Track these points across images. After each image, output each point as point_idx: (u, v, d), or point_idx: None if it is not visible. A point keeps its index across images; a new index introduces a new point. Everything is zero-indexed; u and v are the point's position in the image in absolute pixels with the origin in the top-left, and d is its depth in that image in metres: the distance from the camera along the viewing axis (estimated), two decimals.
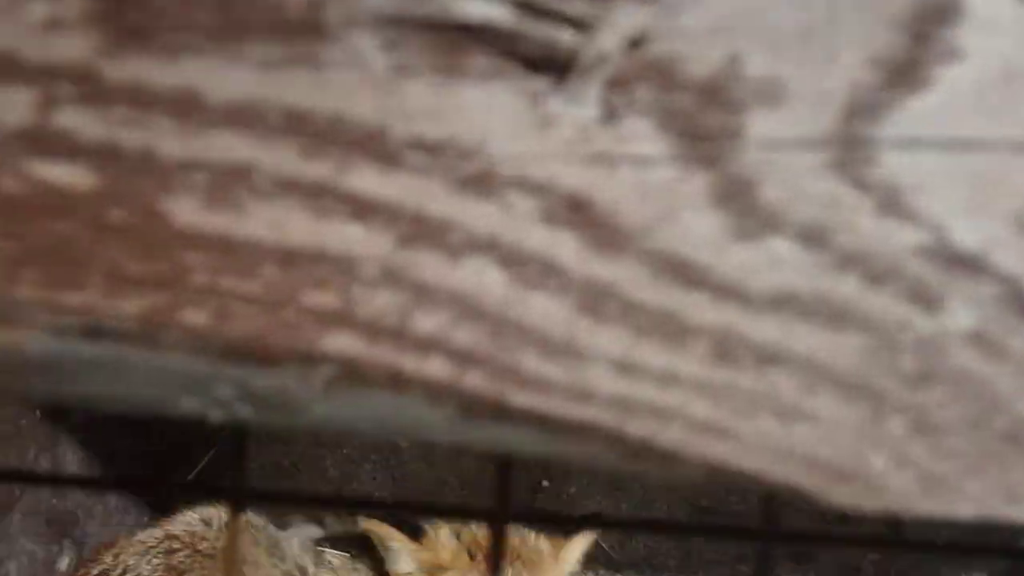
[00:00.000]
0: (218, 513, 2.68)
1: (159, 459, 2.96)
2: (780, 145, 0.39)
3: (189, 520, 2.66)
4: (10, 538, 2.35)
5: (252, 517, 2.67)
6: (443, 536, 2.56)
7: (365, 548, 2.61)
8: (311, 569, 2.54)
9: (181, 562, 2.53)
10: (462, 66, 0.39)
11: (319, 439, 3.16)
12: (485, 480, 3.66)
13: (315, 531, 2.68)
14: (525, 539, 2.61)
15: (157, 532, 2.64)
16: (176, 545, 2.58)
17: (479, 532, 2.61)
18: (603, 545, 3.36)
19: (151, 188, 0.39)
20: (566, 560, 2.70)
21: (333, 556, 2.56)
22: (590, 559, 3.25)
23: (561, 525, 2.71)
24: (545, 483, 3.41)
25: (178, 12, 0.38)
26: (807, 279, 0.40)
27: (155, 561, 2.54)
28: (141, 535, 2.66)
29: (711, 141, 0.39)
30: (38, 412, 2.38)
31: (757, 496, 0.47)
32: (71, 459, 2.53)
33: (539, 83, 0.39)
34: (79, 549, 2.61)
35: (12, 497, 2.33)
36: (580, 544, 2.73)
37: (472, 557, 2.54)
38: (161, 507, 2.82)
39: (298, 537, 2.67)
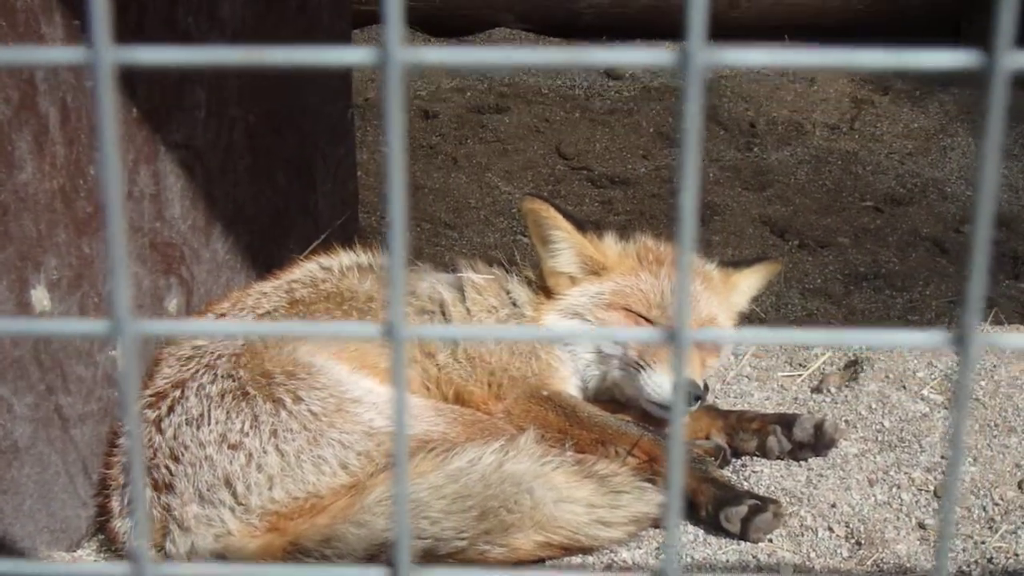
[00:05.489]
0: (337, 260, 2.43)
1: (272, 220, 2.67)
2: None
3: (308, 268, 2.42)
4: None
5: (379, 259, 2.42)
6: (608, 238, 2.26)
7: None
8: (448, 297, 2.24)
9: (303, 297, 2.27)
10: None
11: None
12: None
13: (446, 276, 2.38)
14: (699, 261, 2.30)
15: (275, 281, 2.40)
16: (297, 285, 2.34)
17: (648, 239, 2.30)
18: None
19: None
20: (738, 288, 2.39)
21: (477, 279, 2.25)
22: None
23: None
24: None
25: None
26: None
27: (276, 299, 2.29)
28: (259, 285, 2.41)
29: None
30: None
31: None
32: (173, 184, 2.23)
33: None
34: (187, 294, 2.32)
35: None
36: (754, 276, 2.43)
37: (640, 262, 2.23)
38: (273, 268, 2.53)
39: (428, 281, 2.37)
